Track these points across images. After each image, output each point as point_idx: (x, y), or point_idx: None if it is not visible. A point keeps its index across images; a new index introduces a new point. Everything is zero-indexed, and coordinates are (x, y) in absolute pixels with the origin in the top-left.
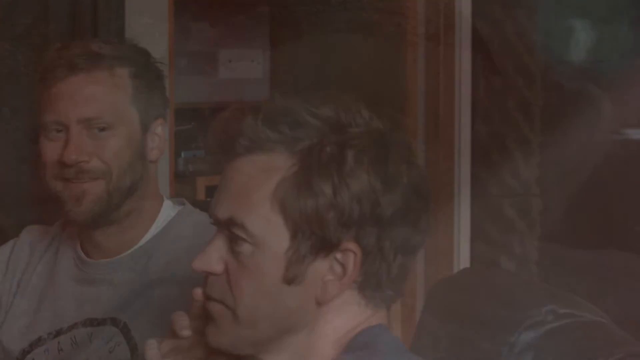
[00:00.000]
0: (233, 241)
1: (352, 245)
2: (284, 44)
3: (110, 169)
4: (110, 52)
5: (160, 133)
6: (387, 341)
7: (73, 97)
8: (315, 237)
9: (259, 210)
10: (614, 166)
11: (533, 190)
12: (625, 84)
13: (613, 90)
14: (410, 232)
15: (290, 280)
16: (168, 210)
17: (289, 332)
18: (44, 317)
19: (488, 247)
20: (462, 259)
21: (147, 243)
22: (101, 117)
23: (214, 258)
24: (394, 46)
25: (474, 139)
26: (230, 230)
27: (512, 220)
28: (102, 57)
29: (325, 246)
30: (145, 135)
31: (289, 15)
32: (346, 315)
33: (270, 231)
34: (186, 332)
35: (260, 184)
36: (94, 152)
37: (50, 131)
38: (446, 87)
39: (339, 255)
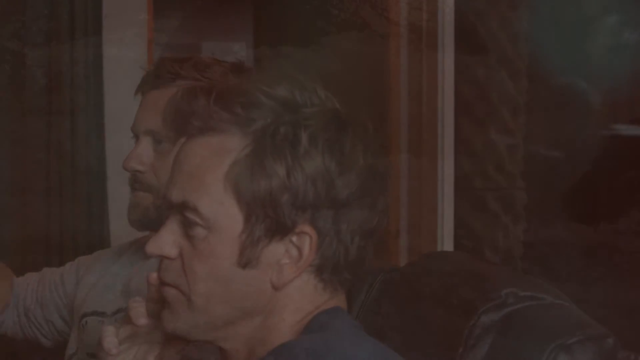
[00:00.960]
0: (187, 225)
1: (307, 228)
2: (267, 37)
3: (158, 183)
4: (185, 72)
5: None
6: (344, 323)
7: (145, 110)
8: (269, 220)
9: (211, 193)
10: (602, 162)
11: (518, 183)
12: (614, 79)
13: (602, 86)
14: (367, 215)
15: (244, 264)
16: None
17: (245, 317)
18: (112, 295)
19: (472, 241)
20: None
21: None
22: (161, 132)
23: (168, 242)
24: (378, 40)
25: (458, 132)
26: (184, 213)
27: (497, 214)
28: (177, 76)
29: (280, 229)
30: None
31: (272, 8)
32: (303, 299)
33: (224, 214)
34: (142, 321)
35: (213, 165)
36: (151, 164)
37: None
38: (429, 83)
39: (294, 238)
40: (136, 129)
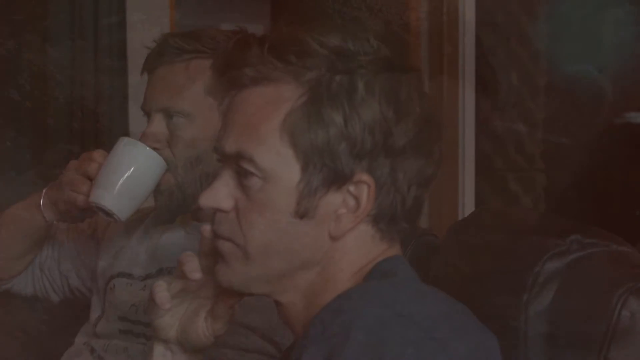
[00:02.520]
0: (242, 176)
1: (365, 177)
2: (285, 20)
3: (176, 160)
4: (190, 45)
5: None
6: (407, 271)
7: (154, 87)
8: (326, 169)
9: (267, 143)
10: (615, 150)
11: (537, 165)
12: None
13: (614, 74)
14: (423, 163)
15: (302, 214)
16: None
17: (302, 269)
18: (140, 259)
19: None
20: None
21: None
22: (173, 106)
23: (222, 194)
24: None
25: (478, 113)
26: (239, 164)
27: (517, 195)
28: (182, 50)
29: (338, 178)
30: None
31: None
32: (361, 250)
33: (280, 164)
34: (196, 275)
35: (269, 115)
36: (166, 141)
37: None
38: (450, 61)
39: (352, 188)
40: (147, 107)
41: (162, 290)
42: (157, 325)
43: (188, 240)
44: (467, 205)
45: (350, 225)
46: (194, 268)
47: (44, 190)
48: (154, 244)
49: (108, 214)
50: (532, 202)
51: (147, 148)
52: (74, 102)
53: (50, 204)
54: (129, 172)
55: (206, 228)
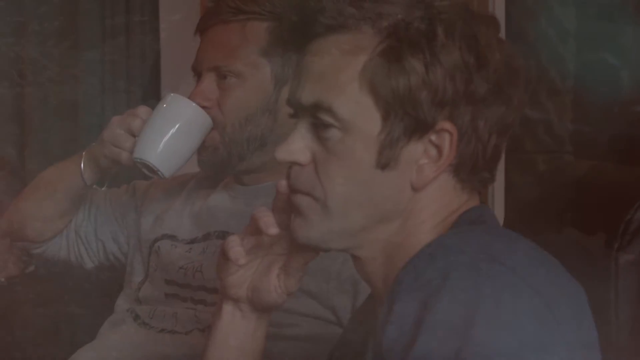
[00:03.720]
0: (319, 128)
1: (447, 125)
2: None
3: (225, 119)
4: (247, 6)
5: None
6: (494, 219)
7: (206, 46)
8: (408, 118)
9: (347, 92)
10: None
11: (567, 148)
12: None
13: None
14: (504, 111)
15: (384, 164)
16: None
17: (382, 222)
18: (184, 223)
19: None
20: (497, 212)
21: None
22: (226, 66)
23: (299, 147)
24: None
25: None
26: (316, 116)
27: (545, 178)
28: (239, 11)
29: (419, 127)
30: (281, 90)
31: None
32: (442, 201)
33: (361, 114)
34: (273, 230)
35: (347, 64)
36: (216, 100)
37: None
38: None
39: (433, 137)
40: (198, 66)
41: (237, 245)
42: (227, 283)
43: (233, 204)
44: (497, 187)
45: (433, 176)
46: (270, 223)
47: (84, 151)
48: (197, 208)
49: (152, 170)
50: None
51: (194, 104)
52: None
53: (90, 165)
54: (174, 129)
55: (282, 183)
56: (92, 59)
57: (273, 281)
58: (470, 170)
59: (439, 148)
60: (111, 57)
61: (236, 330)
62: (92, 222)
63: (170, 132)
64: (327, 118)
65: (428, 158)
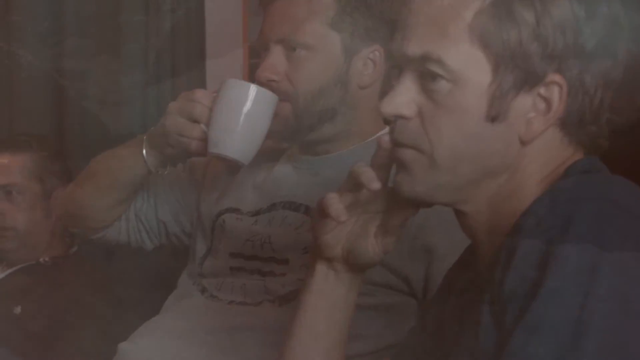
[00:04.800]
0: (427, 80)
1: (557, 78)
2: None
3: (297, 91)
4: None
5: (376, 59)
6: (606, 169)
7: (273, 19)
8: (518, 70)
9: (457, 44)
10: None
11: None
12: None
13: None
14: (610, 65)
15: (493, 117)
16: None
17: (490, 175)
18: (248, 196)
19: None
20: None
21: (359, 147)
22: (295, 39)
23: (404, 100)
24: None
25: None
26: (425, 67)
27: None
28: None
29: (529, 80)
30: (351, 61)
31: None
32: (549, 154)
33: (470, 65)
34: (376, 184)
35: (456, 15)
36: (285, 73)
37: (260, 53)
38: None
39: (542, 90)
40: (265, 39)
41: (337, 202)
42: (322, 242)
43: (298, 175)
44: None
45: (541, 129)
46: (372, 177)
47: (144, 137)
48: (261, 180)
49: (228, 161)
50: None
51: (255, 86)
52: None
53: (153, 152)
54: (243, 116)
55: (384, 138)
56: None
57: (370, 240)
58: (577, 124)
59: (547, 101)
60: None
61: (329, 291)
62: (151, 204)
63: (240, 121)
64: (437, 69)
65: (537, 111)
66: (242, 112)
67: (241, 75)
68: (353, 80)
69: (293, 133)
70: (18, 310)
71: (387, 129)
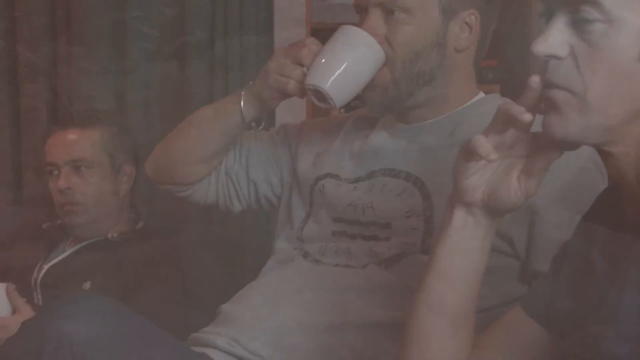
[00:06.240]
0: (580, 21)
1: None
2: None
3: (395, 54)
4: None
5: (472, 23)
6: None
7: None
8: None
9: None
10: None
11: None
12: None
13: None
14: None
15: None
16: (479, 98)
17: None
18: (345, 163)
19: None
20: None
21: (455, 113)
22: (394, 2)
23: (557, 41)
24: None
25: None
26: (580, 9)
27: None
28: None
29: None
30: (448, 24)
31: None
32: None
33: (627, 7)
34: (528, 116)
35: None
36: (384, 36)
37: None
38: None
39: None
40: (364, 2)
41: (485, 142)
42: (463, 186)
43: (395, 142)
44: None
45: None
46: (522, 110)
47: (242, 91)
48: (357, 148)
49: (322, 99)
50: None
51: (370, 36)
52: None
53: (250, 100)
54: (350, 59)
55: (535, 79)
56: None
57: (513, 183)
58: None
59: None
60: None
61: (466, 237)
62: (243, 164)
63: (345, 62)
64: (593, 11)
65: None
66: (350, 55)
67: None
68: (450, 43)
69: (392, 101)
70: (87, 285)
71: (481, 94)
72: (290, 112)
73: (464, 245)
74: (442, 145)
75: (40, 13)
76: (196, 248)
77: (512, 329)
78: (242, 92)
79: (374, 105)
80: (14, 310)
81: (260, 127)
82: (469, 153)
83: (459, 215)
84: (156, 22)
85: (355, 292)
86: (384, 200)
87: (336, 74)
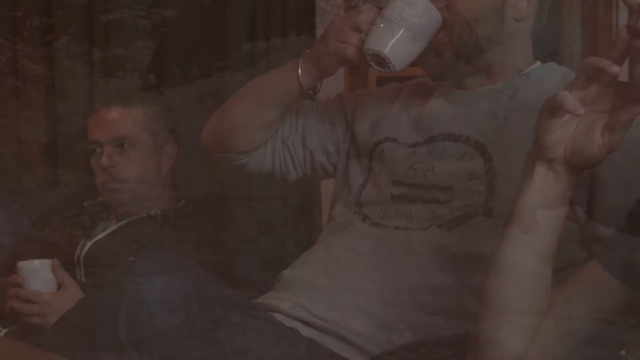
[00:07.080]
0: None
1: None
2: None
3: (453, 20)
4: None
5: None
6: None
7: None
8: None
9: None
10: None
11: None
12: None
13: None
14: None
15: None
16: (537, 66)
17: None
18: (402, 129)
19: None
20: None
21: (514, 79)
22: None
23: None
24: None
25: None
26: None
27: None
28: None
29: None
30: None
31: None
32: None
33: None
34: (615, 69)
35: None
36: (444, 1)
37: None
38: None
39: None
40: None
41: (571, 97)
42: (546, 142)
43: (453, 108)
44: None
45: None
46: (610, 62)
47: (301, 56)
48: (415, 114)
49: (381, 63)
50: None
51: (427, 1)
52: None
53: (308, 67)
54: (408, 23)
55: (624, 29)
56: None
57: (596, 138)
58: None
59: None
60: None
61: (547, 193)
62: (299, 132)
63: (404, 26)
64: None
65: None
66: (407, 19)
67: None
68: (508, 12)
69: (450, 66)
70: None
71: (538, 63)
72: (326, 88)
73: (545, 201)
74: (501, 111)
75: None
76: (237, 226)
77: (590, 283)
78: (300, 60)
79: (432, 70)
80: (60, 286)
81: (316, 96)
82: (553, 109)
83: (540, 171)
84: None
85: (416, 255)
86: (445, 163)
87: (395, 38)
